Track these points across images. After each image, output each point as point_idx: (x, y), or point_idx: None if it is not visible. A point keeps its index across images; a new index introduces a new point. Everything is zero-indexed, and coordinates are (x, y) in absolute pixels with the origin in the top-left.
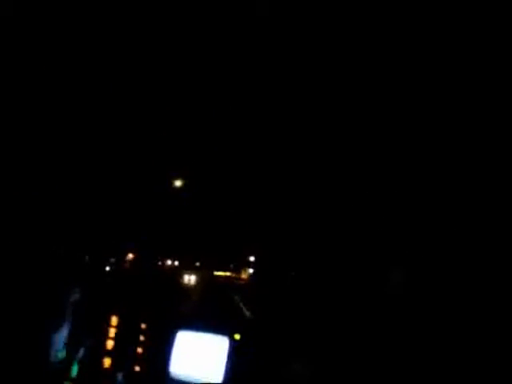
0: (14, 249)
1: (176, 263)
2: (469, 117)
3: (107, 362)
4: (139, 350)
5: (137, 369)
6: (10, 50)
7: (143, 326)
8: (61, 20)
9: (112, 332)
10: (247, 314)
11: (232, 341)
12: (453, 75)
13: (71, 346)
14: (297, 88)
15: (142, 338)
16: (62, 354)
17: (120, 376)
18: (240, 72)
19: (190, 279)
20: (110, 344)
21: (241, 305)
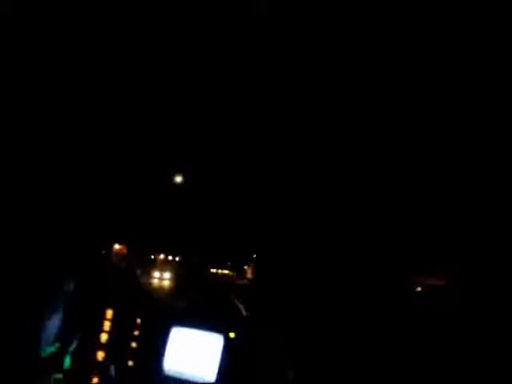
0: (6, 238)
1: (170, 258)
2: (469, 117)
3: (100, 355)
4: (133, 344)
5: (130, 363)
6: (10, 50)
7: (138, 320)
8: (61, 20)
9: (106, 325)
10: (244, 312)
11: (227, 339)
12: (452, 75)
13: (64, 337)
14: (298, 88)
15: (136, 332)
16: (54, 345)
17: (112, 369)
18: (240, 70)
19: (162, 276)
20: (103, 337)
21: (238, 303)
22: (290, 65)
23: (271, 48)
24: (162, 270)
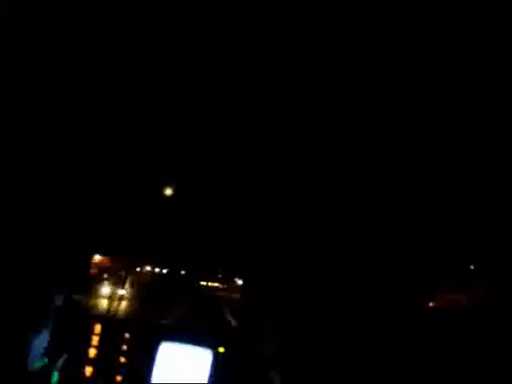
0: None
1: (157, 270)
2: (469, 117)
3: (89, 370)
4: (122, 359)
5: (118, 378)
6: (10, 50)
7: (127, 335)
8: (61, 20)
9: (95, 340)
10: (234, 324)
11: (216, 354)
12: (452, 75)
13: (52, 352)
14: (295, 98)
15: (124, 347)
16: (42, 361)
17: None
18: (235, 79)
19: (114, 294)
20: (92, 352)
21: (229, 317)
22: (288, 72)
23: (268, 55)
24: (115, 285)
